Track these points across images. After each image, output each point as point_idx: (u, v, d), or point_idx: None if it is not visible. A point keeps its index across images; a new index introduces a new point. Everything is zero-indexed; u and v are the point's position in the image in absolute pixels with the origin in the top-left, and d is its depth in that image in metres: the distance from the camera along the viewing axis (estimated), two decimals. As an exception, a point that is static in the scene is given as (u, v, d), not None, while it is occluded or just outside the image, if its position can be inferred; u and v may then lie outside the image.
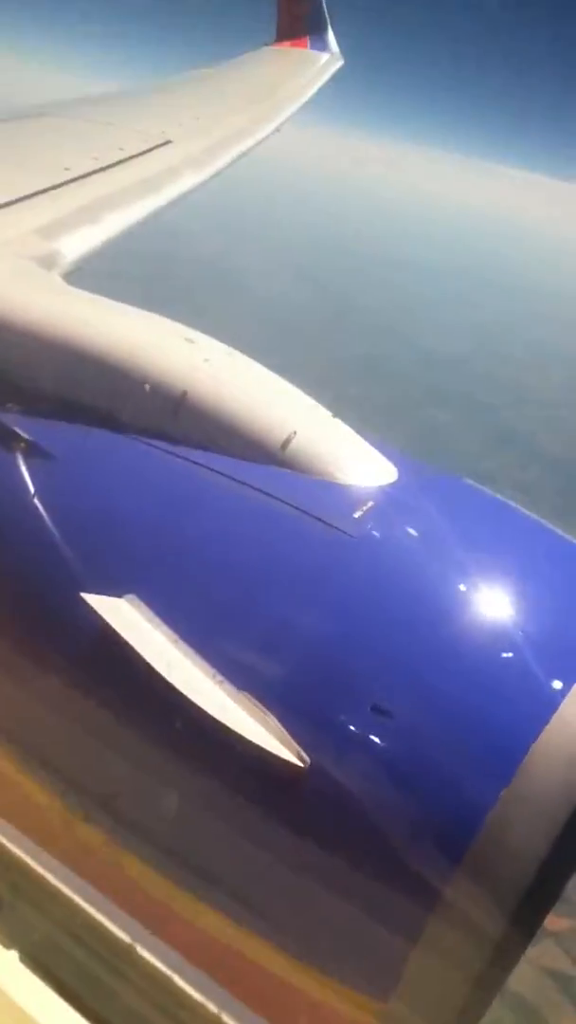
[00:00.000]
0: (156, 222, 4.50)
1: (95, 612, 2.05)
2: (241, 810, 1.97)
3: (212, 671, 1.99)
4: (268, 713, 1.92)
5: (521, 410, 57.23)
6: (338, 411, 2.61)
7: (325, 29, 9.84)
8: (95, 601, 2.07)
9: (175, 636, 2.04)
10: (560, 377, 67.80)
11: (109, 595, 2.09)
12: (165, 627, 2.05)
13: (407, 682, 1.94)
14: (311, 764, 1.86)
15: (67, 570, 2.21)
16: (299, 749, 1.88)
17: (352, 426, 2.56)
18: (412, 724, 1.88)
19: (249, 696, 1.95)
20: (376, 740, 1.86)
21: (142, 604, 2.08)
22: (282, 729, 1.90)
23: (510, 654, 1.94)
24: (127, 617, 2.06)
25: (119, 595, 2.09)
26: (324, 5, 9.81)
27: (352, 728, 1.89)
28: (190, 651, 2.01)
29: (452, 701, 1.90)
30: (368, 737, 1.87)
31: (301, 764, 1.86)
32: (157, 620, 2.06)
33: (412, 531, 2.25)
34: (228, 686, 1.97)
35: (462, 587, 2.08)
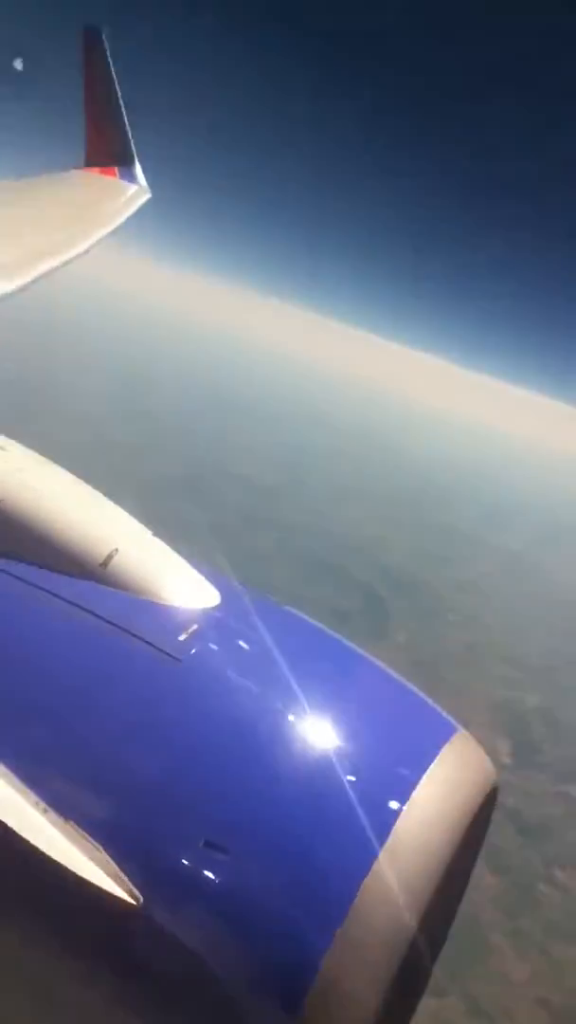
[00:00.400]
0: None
1: None
2: (69, 950, 1.82)
3: (35, 799, 1.83)
4: (97, 847, 1.78)
5: (331, 540, 60.40)
6: (157, 530, 2.56)
7: (133, 162, 10.14)
8: None
9: (15, 780, 1.86)
10: (363, 511, 72.41)
11: None
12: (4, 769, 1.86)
13: (239, 816, 1.85)
14: (144, 901, 1.74)
15: None
16: (130, 886, 1.75)
17: (172, 547, 2.51)
18: (245, 860, 1.79)
19: (75, 826, 1.80)
20: (210, 876, 1.77)
21: None
22: (112, 863, 1.77)
23: (339, 784, 1.91)
24: None
25: None
26: (130, 138, 10.18)
27: (186, 863, 1.79)
28: (12, 778, 1.85)
29: (284, 835, 1.83)
30: (202, 873, 1.77)
31: (133, 902, 1.73)
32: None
33: (238, 657, 2.20)
34: (53, 815, 1.81)
35: (290, 716, 2.03)
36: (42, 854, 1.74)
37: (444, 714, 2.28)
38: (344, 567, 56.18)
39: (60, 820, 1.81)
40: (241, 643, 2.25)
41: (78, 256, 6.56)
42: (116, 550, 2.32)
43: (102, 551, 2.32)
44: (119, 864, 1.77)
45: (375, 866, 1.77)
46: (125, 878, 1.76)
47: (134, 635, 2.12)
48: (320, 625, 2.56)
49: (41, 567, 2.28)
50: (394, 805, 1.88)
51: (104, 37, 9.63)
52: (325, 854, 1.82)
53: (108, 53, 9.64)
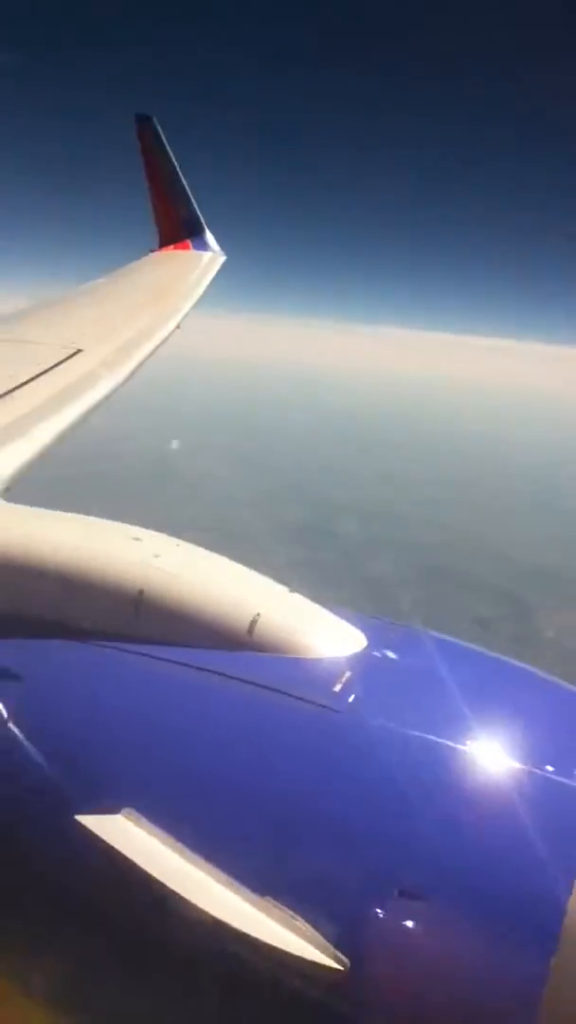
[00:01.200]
0: (84, 426, 4.60)
1: (93, 833, 1.94)
2: None
3: (226, 879, 1.86)
4: (297, 917, 1.79)
5: (453, 547, 58.97)
6: (289, 579, 2.61)
7: (203, 231, 10.59)
8: (91, 822, 1.97)
9: (181, 846, 1.92)
10: (485, 513, 70.46)
11: (104, 812, 1.99)
12: (169, 838, 1.93)
13: (430, 860, 1.83)
14: (352, 964, 1.74)
15: (56, 794, 2.10)
16: (335, 951, 1.75)
17: (309, 596, 2.55)
18: (444, 904, 1.77)
19: (272, 901, 1.82)
20: (412, 926, 1.75)
21: (141, 817, 1.97)
22: (315, 932, 1.77)
23: (525, 808, 1.87)
24: (127, 833, 1.95)
25: (115, 811, 1.98)
26: (198, 210, 10.58)
27: (385, 917, 1.77)
28: (200, 860, 1.89)
29: (479, 873, 1.80)
30: (404, 924, 1.75)
31: (341, 968, 1.73)
32: (160, 831, 1.94)
33: (395, 696, 2.20)
34: (248, 893, 1.84)
35: (466, 748, 2.01)
36: (247, 936, 1.76)
37: None
38: (474, 572, 54.55)
39: (254, 896, 1.84)
40: (396, 681, 2.27)
41: (171, 334, 6.94)
42: (259, 615, 2.37)
43: (245, 619, 2.36)
44: (319, 930, 1.77)
45: None
46: (328, 944, 1.76)
47: (291, 695, 2.15)
48: (472, 646, 2.55)
49: (191, 648, 2.35)
50: None
51: (156, 122, 10.16)
52: (524, 883, 1.79)
53: (163, 136, 10.14)
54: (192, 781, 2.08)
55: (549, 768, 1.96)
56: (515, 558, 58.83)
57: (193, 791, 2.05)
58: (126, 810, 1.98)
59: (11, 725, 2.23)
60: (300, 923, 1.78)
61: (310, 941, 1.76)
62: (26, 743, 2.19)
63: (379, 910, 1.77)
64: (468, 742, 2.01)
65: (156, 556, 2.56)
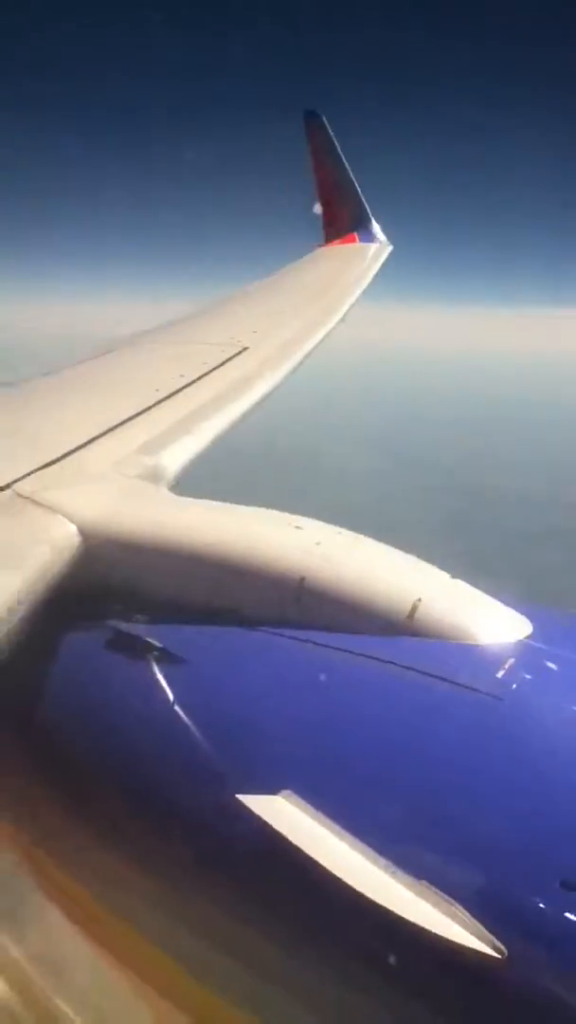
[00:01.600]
0: (247, 422, 4.75)
1: (254, 813, 2.00)
2: (436, 1013, 1.81)
3: (385, 863, 1.87)
4: (454, 903, 1.78)
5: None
6: (450, 568, 2.58)
7: (369, 221, 10.64)
8: (252, 802, 2.03)
9: (340, 829, 1.94)
10: None
11: (264, 793, 2.04)
12: (328, 821, 1.96)
13: None
14: (509, 954, 1.71)
15: (219, 774, 2.18)
16: (493, 939, 1.72)
17: (474, 583, 2.52)
18: None
19: (430, 886, 1.81)
20: (573, 918, 1.70)
21: (300, 799, 2.01)
22: (472, 920, 1.75)
23: None
24: (287, 814, 1.99)
25: (275, 792, 2.04)
26: (364, 202, 10.62)
27: (545, 908, 1.73)
28: (358, 843, 1.91)
29: None
30: (565, 916, 1.71)
31: (499, 957, 1.70)
32: (319, 814, 1.98)
33: (562, 683, 2.15)
34: (405, 877, 1.84)
35: None
36: (401, 918, 1.76)
37: None
38: None
39: (412, 881, 1.83)
40: (561, 668, 2.21)
41: (335, 326, 7.04)
42: (419, 600, 2.36)
43: (406, 605, 2.36)
44: (477, 917, 1.75)
45: None
46: (486, 932, 1.74)
47: (452, 682, 2.14)
48: None
49: (352, 633, 2.37)
50: None
51: (324, 119, 10.30)
52: None
53: (331, 132, 10.26)
54: (351, 766, 2.10)
55: None
56: None
57: (352, 776, 2.08)
58: (285, 792, 2.03)
59: (177, 708, 2.34)
60: (458, 910, 1.77)
61: (468, 929, 1.74)
62: (191, 725, 2.28)
63: (539, 901, 1.74)
64: None
65: (317, 544, 2.62)
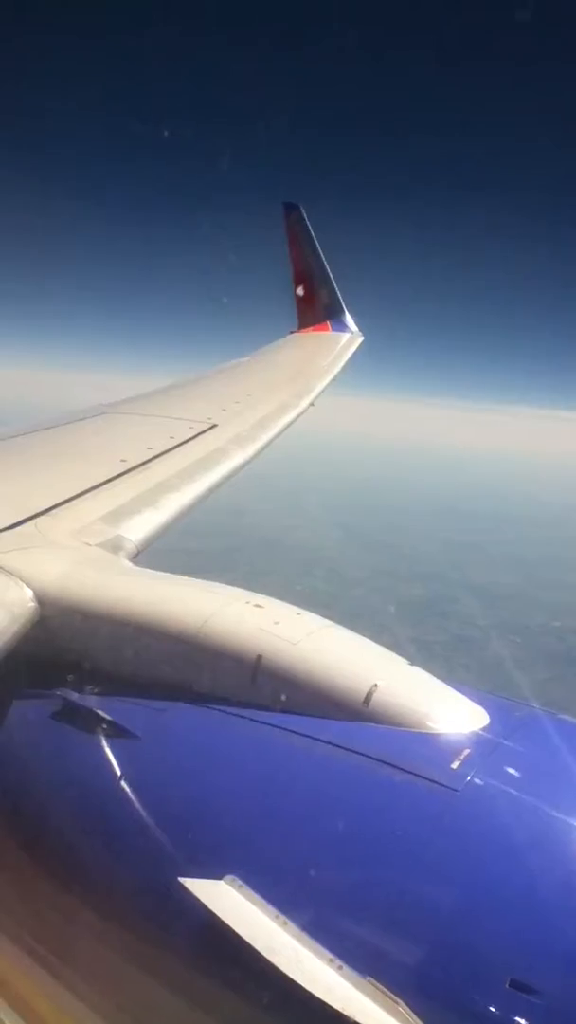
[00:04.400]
0: (212, 498, 4.75)
1: (195, 898, 1.95)
2: None
3: (329, 956, 1.82)
4: (398, 1000, 1.73)
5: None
6: (408, 655, 2.57)
7: (343, 312, 10.90)
8: (194, 886, 1.97)
9: (285, 919, 1.89)
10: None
11: (207, 877, 1.98)
12: (272, 909, 1.91)
13: (545, 951, 1.74)
14: None
15: (161, 854, 2.12)
16: None
17: (432, 671, 2.50)
18: (559, 1000, 1.67)
19: (374, 982, 1.76)
20: (522, 1022, 1.66)
21: (244, 885, 1.96)
22: (416, 1018, 1.70)
23: None
24: (230, 900, 1.93)
25: (218, 877, 1.98)
26: (338, 292, 10.96)
27: (493, 1010, 1.68)
28: (302, 934, 1.86)
29: None
30: (513, 1019, 1.66)
31: None
32: (262, 902, 1.92)
33: (517, 777, 2.11)
34: (349, 972, 1.79)
35: None
36: (345, 1017, 1.71)
37: None
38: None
39: (357, 977, 1.78)
40: (517, 762, 2.18)
41: (303, 411, 7.15)
42: (376, 686, 2.34)
43: (362, 689, 2.34)
44: (421, 1017, 1.71)
45: None
46: None
47: (407, 771, 2.10)
48: None
49: (306, 716, 2.34)
50: None
51: (302, 210, 10.70)
52: None
53: (308, 224, 10.65)
54: (300, 852, 2.05)
55: None
56: None
57: (300, 863, 2.03)
58: (230, 876, 1.98)
59: (123, 783, 2.28)
60: (402, 1008, 1.72)
61: None
62: (136, 802, 2.23)
63: (485, 1001, 1.69)
64: None
65: (276, 623, 2.59)
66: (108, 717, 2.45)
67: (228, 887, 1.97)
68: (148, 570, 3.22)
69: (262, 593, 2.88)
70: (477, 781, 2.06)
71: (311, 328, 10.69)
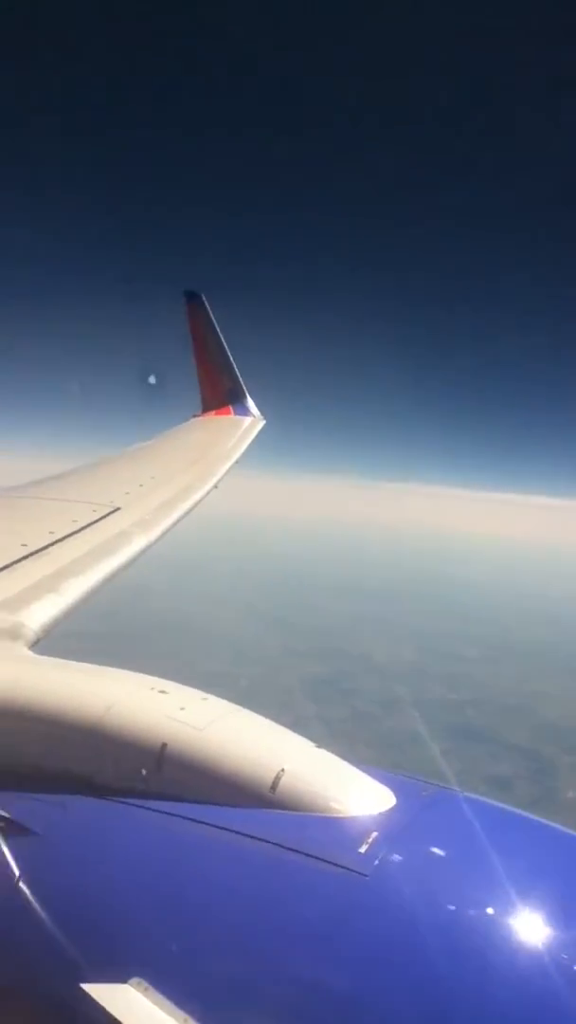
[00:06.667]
0: (115, 582, 4.72)
1: (98, 1004, 1.87)
2: None
3: None
4: None
5: (480, 707, 58.12)
6: (313, 734, 2.57)
7: (244, 397, 11.10)
8: (96, 991, 1.89)
9: (191, 1020, 1.83)
10: (513, 670, 69.82)
11: (111, 980, 1.91)
12: (179, 1011, 1.85)
13: None
14: None
15: (62, 958, 2.03)
16: None
17: (339, 753, 2.51)
18: None
19: None
20: None
21: (149, 987, 1.90)
22: None
23: (563, 980, 1.78)
24: (135, 1005, 1.86)
25: (123, 979, 1.91)
26: (240, 379, 11.22)
27: None
28: None
29: None
30: None
31: None
32: (168, 1004, 1.86)
33: (426, 858, 2.11)
34: None
35: (498, 916, 1.92)
36: None
37: None
38: (498, 731, 53.56)
39: None
40: (426, 842, 2.17)
41: (207, 493, 7.21)
42: (283, 771, 2.32)
43: (269, 776, 2.32)
44: None
45: None
46: None
47: (315, 857, 2.07)
48: (504, 805, 2.47)
49: (211, 805, 2.29)
50: None
51: (204, 299, 10.97)
52: None
53: (210, 312, 10.91)
54: (207, 950, 2.00)
55: None
56: (543, 715, 57.47)
57: (207, 960, 1.97)
58: (135, 980, 1.91)
59: (21, 884, 2.19)
60: None
61: None
62: (35, 904, 2.14)
63: None
64: (501, 909, 1.93)
65: (181, 709, 2.56)
66: (5, 814, 2.36)
67: (133, 990, 1.90)
68: (48, 658, 3.14)
69: (167, 676, 2.85)
70: (386, 864, 2.05)
71: (213, 412, 10.87)
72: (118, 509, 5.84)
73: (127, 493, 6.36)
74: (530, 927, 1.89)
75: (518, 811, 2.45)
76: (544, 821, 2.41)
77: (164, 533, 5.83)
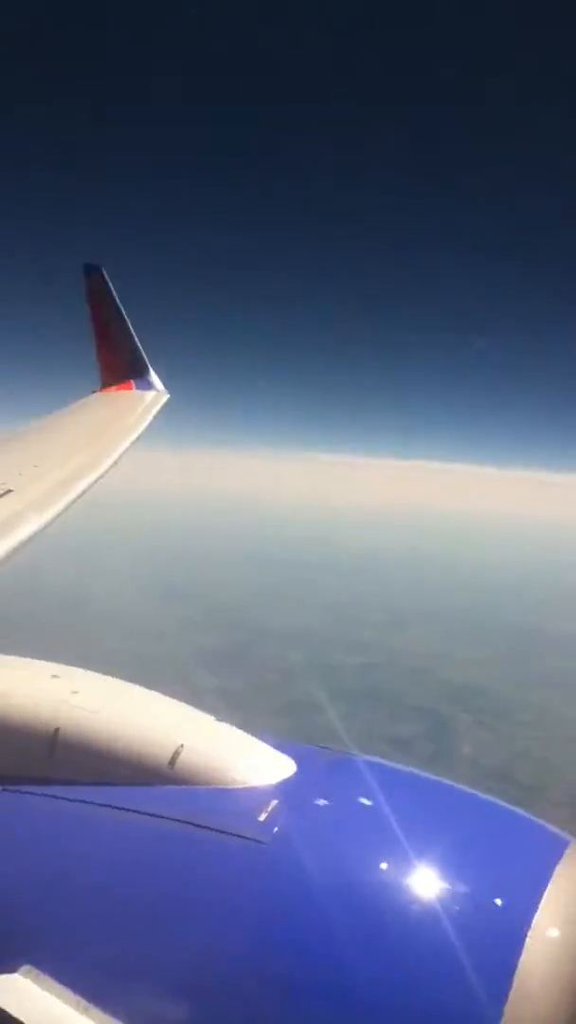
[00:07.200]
0: (10, 565, 4.64)
1: None
2: None
3: None
4: None
5: (386, 669, 59.40)
6: (215, 709, 2.61)
7: (147, 371, 10.89)
8: None
9: (88, 1005, 1.81)
10: (419, 632, 71.50)
11: (1, 971, 1.87)
12: (73, 996, 1.82)
13: (359, 1004, 1.75)
14: None
15: None
16: None
17: (239, 725, 2.54)
18: None
19: None
20: None
21: (41, 974, 1.86)
22: None
23: (454, 936, 1.80)
24: (24, 994, 1.82)
25: (12, 969, 1.87)
26: (143, 352, 11.02)
27: None
28: (108, 1019, 1.79)
29: (407, 1008, 1.74)
30: None
31: None
32: (62, 990, 1.83)
33: (324, 823, 2.14)
34: None
35: (397, 877, 1.95)
36: None
37: (552, 829, 2.18)
38: (400, 692, 55.08)
39: None
40: (325, 808, 2.19)
41: (106, 471, 7.05)
42: (181, 746, 2.33)
43: (167, 752, 2.32)
44: None
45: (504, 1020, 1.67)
46: None
47: (214, 829, 2.07)
48: (405, 767, 2.51)
49: (108, 785, 2.29)
50: (514, 944, 1.77)
51: (104, 273, 10.71)
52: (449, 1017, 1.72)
53: (110, 285, 10.65)
54: (104, 932, 1.97)
55: (497, 901, 1.90)
56: (444, 676, 59.29)
57: (105, 943, 1.95)
58: (25, 967, 1.88)
59: None
60: None
61: None
62: None
63: None
64: (396, 867, 1.96)
65: (74, 692, 2.55)
66: None
67: (23, 979, 1.86)
68: None
69: (63, 658, 2.83)
70: (283, 831, 2.07)
71: (113, 388, 10.65)
72: (10, 491, 5.68)
73: (20, 474, 6.17)
74: (425, 883, 1.92)
75: (415, 770, 2.51)
76: (438, 779, 2.46)
77: (60, 513, 5.70)
